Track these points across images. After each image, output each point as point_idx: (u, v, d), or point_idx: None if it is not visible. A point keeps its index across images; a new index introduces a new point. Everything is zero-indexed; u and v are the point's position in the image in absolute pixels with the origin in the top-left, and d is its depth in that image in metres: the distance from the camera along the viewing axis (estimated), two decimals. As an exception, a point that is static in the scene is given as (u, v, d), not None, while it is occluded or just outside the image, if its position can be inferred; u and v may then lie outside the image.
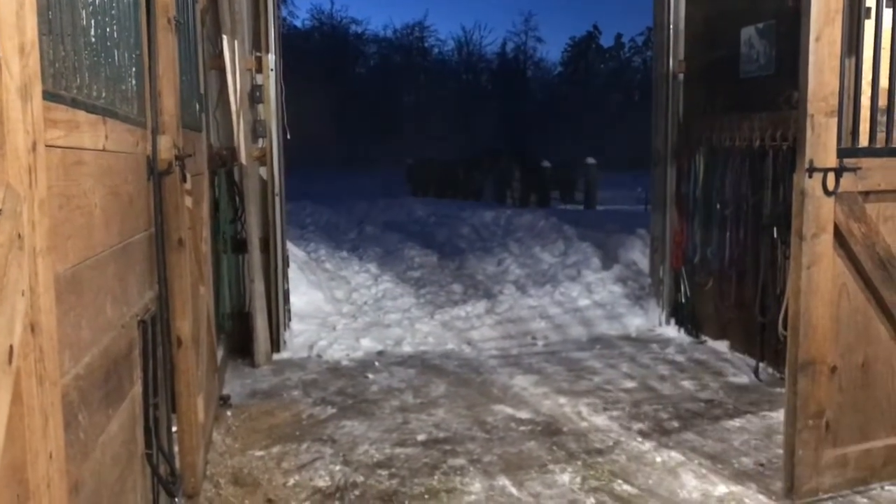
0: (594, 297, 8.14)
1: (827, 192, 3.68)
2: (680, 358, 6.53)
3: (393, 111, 52.24)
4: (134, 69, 3.10)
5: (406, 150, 36.92)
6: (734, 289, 6.48)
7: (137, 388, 2.79)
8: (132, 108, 3.00)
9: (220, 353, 6.06)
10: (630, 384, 5.85)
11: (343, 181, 29.96)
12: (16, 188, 1.44)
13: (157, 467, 2.98)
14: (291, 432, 4.96)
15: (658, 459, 4.44)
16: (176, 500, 3.37)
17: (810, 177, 3.65)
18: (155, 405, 3.05)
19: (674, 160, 7.25)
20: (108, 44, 2.64)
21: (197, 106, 4.53)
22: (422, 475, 4.28)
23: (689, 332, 7.18)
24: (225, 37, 6.40)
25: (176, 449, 3.60)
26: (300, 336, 6.86)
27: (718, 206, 6.54)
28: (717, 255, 6.62)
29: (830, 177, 3.67)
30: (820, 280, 3.72)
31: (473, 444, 4.71)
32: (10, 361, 1.37)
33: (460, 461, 4.46)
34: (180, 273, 3.53)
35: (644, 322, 7.55)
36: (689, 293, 7.21)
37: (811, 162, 3.64)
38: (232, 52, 6.43)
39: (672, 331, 7.31)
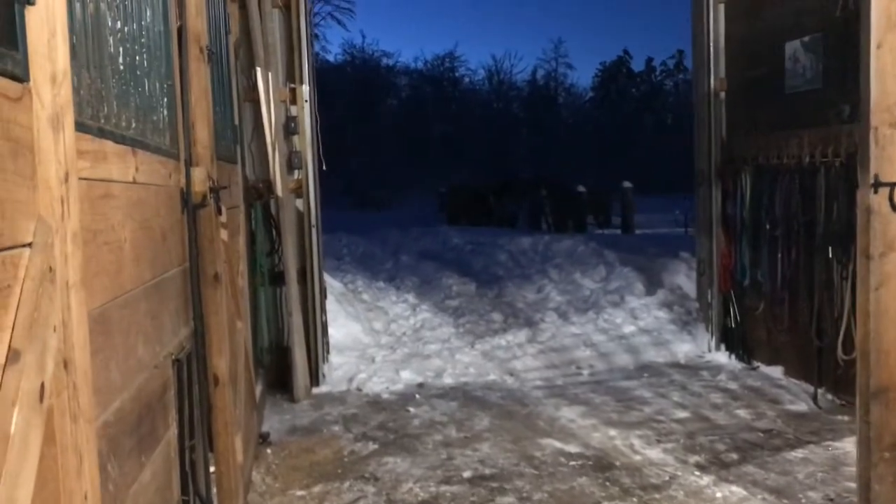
0: (639, 324, 7.90)
1: (895, 208, 3.46)
2: (733, 385, 6.27)
3: (425, 141, 52.43)
4: (166, 99, 3.01)
5: (439, 179, 36.98)
6: (788, 312, 6.22)
7: (173, 431, 2.66)
8: (164, 138, 2.91)
9: (258, 389, 5.94)
10: (683, 414, 5.60)
11: (377, 212, 30.07)
12: (47, 220, 1.39)
13: (195, 514, 2.84)
14: (333, 470, 4.80)
15: (718, 495, 4.20)
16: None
17: (876, 192, 3.43)
18: (191, 447, 2.92)
19: (718, 180, 7.03)
20: (138, 73, 2.55)
21: (231, 137, 4.44)
22: (469, 515, 4.09)
23: (740, 358, 6.91)
24: (259, 69, 6.36)
25: (214, 491, 3.46)
26: (339, 369, 6.73)
27: (768, 227, 6.30)
28: (768, 277, 6.37)
29: (897, 192, 3.44)
30: (890, 301, 3.48)
31: (522, 481, 4.50)
32: (41, 400, 1.29)
33: (509, 499, 4.26)
34: (216, 309, 3.41)
35: (693, 348, 7.29)
36: (738, 317, 6.95)
37: (877, 177, 3.42)
38: (266, 83, 6.39)
39: (722, 357, 7.05)
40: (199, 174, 3.23)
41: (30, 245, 1.31)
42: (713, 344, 7.19)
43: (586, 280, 9.37)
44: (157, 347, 2.53)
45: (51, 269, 1.38)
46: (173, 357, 2.70)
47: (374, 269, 10.82)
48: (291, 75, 6.60)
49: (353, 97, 52.55)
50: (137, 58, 2.53)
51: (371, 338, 7.43)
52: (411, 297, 8.83)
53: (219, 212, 3.46)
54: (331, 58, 58.63)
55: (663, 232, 20.04)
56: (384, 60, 61.48)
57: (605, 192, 22.77)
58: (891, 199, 3.46)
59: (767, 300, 6.45)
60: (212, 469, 3.48)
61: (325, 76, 53.43)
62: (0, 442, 1.15)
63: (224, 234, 3.63)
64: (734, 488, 4.26)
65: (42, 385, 1.30)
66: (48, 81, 1.44)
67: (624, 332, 7.74)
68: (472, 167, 46.62)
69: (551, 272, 9.87)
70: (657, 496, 4.22)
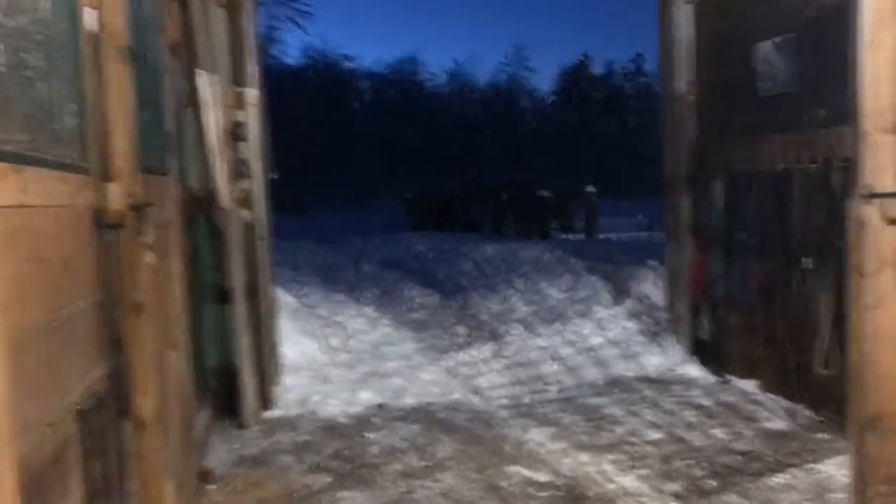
0: (607, 335, 7.61)
1: (888, 221, 3.17)
2: (706, 401, 5.99)
3: (390, 146, 52.01)
4: (74, 106, 2.61)
5: (405, 184, 36.58)
6: (763, 324, 5.97)
7: (76, 497, 2.26)
8: (69, 151, 2.50)
9: (202, 416, 5.51)
10: (656, 435, 5.30)
11: (343, 218, 29.61)
12: None
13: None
14: (282, 508, 4.41)
15: (700, 530, 3.89)
16: None
17: (869, 204, 3.15)
18: (104, 509, 2.52)
19: (689, 187, 6.77)
20: (28, 75, 2.15)
21: (163, 147, 4.03)
22: (430, 560, 3.73)
23: (713, 372, 6.64)
24: (201, 71, 5.94)
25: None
26: (292, 391, 6.32)
27: (741, 235, 6.04)
28: (741, 287, 6.11)
29: (891, 203, 3.16)
30: (886, 322, 3.19)
31: (488, 517, 4.15)
32: None
33: (474, 540, 3.91)
34: (140, 342, 3.00)
35: (663, 361, 7.02)
36: (711, 329, 6.69)
37: (870, 186, 3.14)
38: (209, 87, 5.97)
39: (694, 370, 6.77)
40: (116, 191, 2.82)
41: None
42: (684, 356, 6.92)
43: (552, 289, 9.06)
44: (54, 400, 2.13)
45: None
46: (77, 407, 2.29)
47: (334, 280, 10.42)
48: (238, 79, 6.18)
49: (315, 101, 51.95)
50: (25, 57, 2.13)
51: (327, 356, 7.02)
52: (371, 311, 8.44)
53: (142, 233, 3.06)
54: (291, 61, 58.03)
55: (627, 237, 19.88)
56: (345, 64, 60.98)
57: (569, 196, 22.55)
58: (884, 211, 3.17)
59: (741, 312, 6.19)
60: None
61: (285, 80, 52.92)
62: None
63: (150, 257, 3.22)
64: (716, 521, 3.96)
65: None
66: None
67: (592, 343, 7.44)
68: (438, 172, 46.36)
69: (516, 281, 9.55)
70: (634, 532, 3.90)
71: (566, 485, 4.52)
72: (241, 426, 5.84)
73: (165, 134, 4.11)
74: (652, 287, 8.37)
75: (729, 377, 6.50)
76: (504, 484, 4.58)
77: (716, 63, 6.55)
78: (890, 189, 3.17)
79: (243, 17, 6.16)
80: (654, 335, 7.46)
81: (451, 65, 71.79)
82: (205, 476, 4.66)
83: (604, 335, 7.64)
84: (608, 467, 4.75)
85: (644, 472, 4.66)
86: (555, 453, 5.03)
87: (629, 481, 4.53)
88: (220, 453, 5.34)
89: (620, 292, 8.53)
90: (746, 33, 6.09)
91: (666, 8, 6.84)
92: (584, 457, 4.94)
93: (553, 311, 8.44)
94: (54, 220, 2.26)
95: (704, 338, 6.76)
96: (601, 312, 8.12)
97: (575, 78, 63.84)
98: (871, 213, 3.16)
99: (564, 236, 20.59)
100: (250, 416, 5.90)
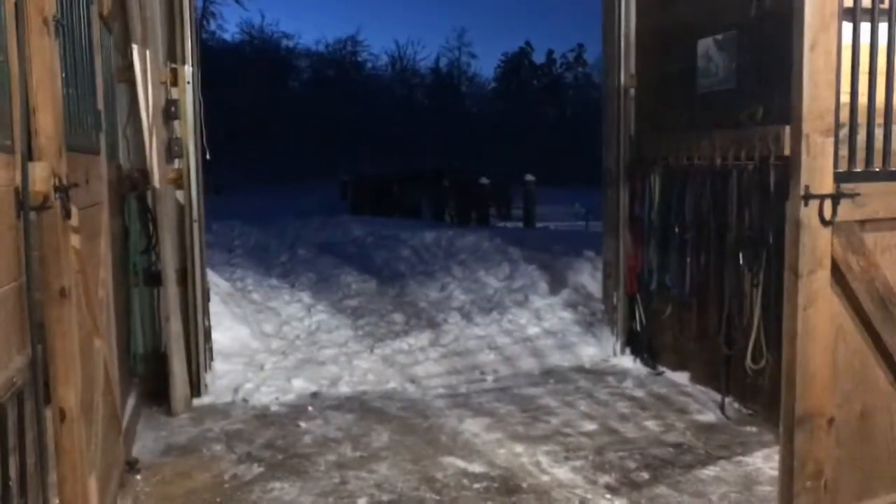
0: (544, 325, 7.64)
1: (824, 222, 3.23)
2: (639, 393, 6.07)
3: (328, 126, 51.36)
4: (-7, 79, 2.45)
5: (342, 166, 36.20)
6: (696, 318, 6.06)
7: (-9, 495, 2.13)
8: (-12, 128, 2.36)
9: (131, 402, 5.34)
10: (591, 426, 5.34)
11: (277, 199, 29.08)
12: None
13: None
14: (211, 499, 4.30)
15: (632, 522, 3.93)
16: None
17: (806, 205, 3.20)
18: (22, 506, 2.39)
19: (627, 180, 6.82)
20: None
21: (93, 124, 3.85)
22: (363, 553, 3.68)
23: (645, 363, 6.74)
24: (135, 46, 5.72)
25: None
26: (224, 378, 6.17)
27: (677, 230, 6.12)
28: (676, 281, 6.19)
29: (827, 204, 3.22)
30: (818, 322, 3.26)
31: (422, 509, 4.12)
32: None
33: (408, 532, 3.87)
34: (64, 330, 2.86)
35: (598, 351, 7.09)
36: (645, 321, 6.77)
37: (807, 188, 3.19)
38: (143, 63, 5.76)
39: (628, 361, 6.86)
40: (39, 171, 2.67)
41: None
42: (618, 347, 7.00)
43: (490, 278, 9.07)
44: (-32, 393, 2.01)
45: None
46: (-7, 401, 2.16)
47: (269, 264, 10.22)
48: (173, 55, 5.97)
49: (252, 79, 50.94)
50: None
51: (260, 342, 6.88)
52: (307, 297, 8.30)
53: (68, 214, 2.91)
54: (227, 37, 56.81)
55: (564, 226, 20.07)
56: (284, 42, 59.99)
57: (507, 183, 22.65)
58: (820, 212, 3.23)
59: (675, 305, 6.28)
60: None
61: (222, 56, 51.73)
62: None
63: (76, 240, 3.07)
64: (647, 514, 4.00)
65: None
66: None
67: (528, 333, 7.47)
68: (377, 155, 46.01)
69: (455, 269, 9.53)
70: (567, 525, 3.92)
71: (501, 476, 4.52)
72: (170, 413, 5.69)
73: (96, 111, 3.92)
74: (589, 278, 8.44)
75: (661, 368, 6.60)
76: (439, 475, 4.55)
77: (657, 57, 6.60)
78: (826, 190, 3.23)
79: (180, -9, 5.94)
80: (589, 326, 7.53)
81: (392, 47, 71.23)
82: (131, 466, 4.51)
83: (540, 325, 7.67)
84: (543, 458, 4.77)
85: (578, 463, 4.69)
86: (490, 444, 5.03)
87: (563, 473, 4.56)
88: (148, 441, 5.20)
89: (557, 282, 8.58)
90: (689, 28, 6.14)
91: (610, 0, 6.85)
92: (518, 448, 4.95)
93: (490, 299, 8.45)
94: (-29, 202, 2.13)
95: (638, 330, 6.85)
96: (538, 302, 8.16)
97: (516, 65, 64.11)
98: (807, 215, 3.22)
99: (503, 224, 20.68)
100: (180, 402, 5.75)
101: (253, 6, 57.00)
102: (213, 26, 55.06)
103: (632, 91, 6.84)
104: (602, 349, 7.12)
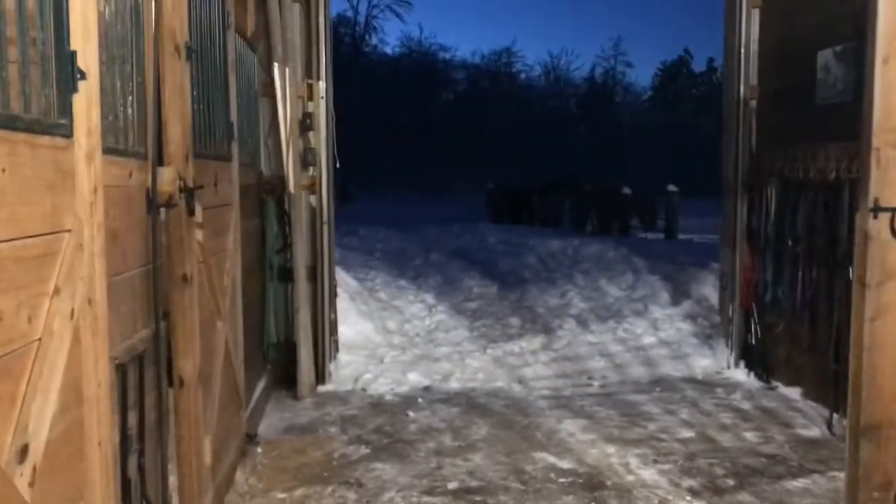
0: (660, 335, 7.69)
1: (895, 235, 3.25)
2: (746, 405, 6.04)
3: (480, 136, 52.25)
4: (132, 98, 2.98)
5: (491, 175, 36.75)
6: (807, 332, 5.96)
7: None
8: (124, 138, 2.87)
9: (262, 385, 5.94)
10: (687, 433, 5.41)
11: (427, 207, 30.04)
12: (80, 216, 2.16)
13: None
14: (320, 473, 4.76)
15: (705, 523, 4.03)
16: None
17: (875, 217, 3.24)
18: (140, 451, 2.89)
19: (744, 192, 6.79)
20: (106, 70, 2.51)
21: (225, 135, 4.41)
22: (444, 529, 4.00)
23: (759, 377, 6.66)
24: (276, 64, 6.34)
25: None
26: (347, 368, 6.69)
27: (790, 243, 6.05)
28: (788, 294, 6.12)
29: (899, 217, 3.24)
30: (887, 333, 3.28)
31: (506, 496, 4.39)
32: (71, 317, 2.10)
33: (488, 515, 4.16)
34: (184, 310, 3.38)
35: (712, 363, 7.07)
36: (759, 334, 6.70)
37: (876, 200, 3.23)
38: (283, 79, 6.37)
39: (741, 374, 6.81)
40: (167, 174, 3.19)
41: (68, 231, 2.10)
42: (732, 360, 6.95)
43: (612, 287, 9.17)
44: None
45: (80, 245, 2.15)
46: (117, 362, 2.65)
47: (402, 267, 10.77)
48: (309, 72, 6.57)
49: (410, 90, 52.72)
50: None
51: (383, 337, 7.37)
52: (430, 298, 8.75)
53: (192, 212, 3.42)
54: (388, 50, 58.97)
55: (710, 238, 19.54)
56: (441, 54, 61.52)
57: (652, 194, 22.31)
58: (892, 225, 3.26)
59: (787, 318, 6.20)
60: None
61: (382, 69, 53.80)
62: (51, 337, 1.97)
63: (200, 235, 3.59)
64: (724, 517, 4.09)
65: (72, 309, 2.10)
66: (86, 134, 2.20)
67: (643, 343, 7.54)
68: (526, 165, 46.35)
69: (577, 277, 9.69)
70: (641, 521, 4.07)
71: (587, 473, 4.71)
72: (296, 397, 6.26)
73: (228, 123, 4.49)
74: (712, 290, 8.38)
75: (775, 383, 6.51)
76: (528, 468, 4.80)
77: (778, 69, 6.55)
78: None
79: (318, 14, 6.54)
80: (707, 337, 7.51)
81: (546, 57, 71.30)
82: (251, 438, 5.06)
83: (657, 335, 7.72)
84: (632, 460, 4.91)
85: (666, 466, 4.80)
86: (583, 444, 5.22)
87: (649, 474, 4.69)
88: (274, 420, 5.76)
89: (680, 293, 8.57)
90: (808, 40, 6.07)
91: (732, 12, 6.85)
92: (610, 449, 5.11)
93: (609, 308, 8.56)
94: (117, 198, 2.65)
95: (753, 343, 6.78)
96: (657, 312, 8.20)
97: (674, 73, 62.54)
98: (877, 227, 3.25)
99: (644, 235, 20.42)
100: (305, 388, 6.30)
101: (412, 20, 58.88)
102: (374, 40, 57.47)
103: (752, 103, 6.80)
104: (717, 361, 7.09)
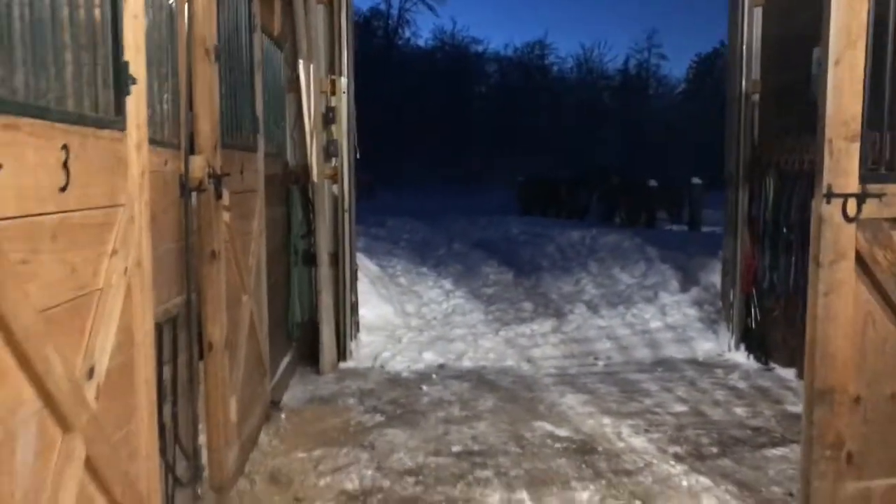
0: (667, 320, 8.04)
1: (847, 219, 3.60)
2: (742, 384, 6.38)
3: (512, 129, 52.51)
4: (167, 95, 3.43)
5: (524, 167, 37.08)
6: (801, 315, 6.27)
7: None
8: (161, 131, 3.33)
9: (287, 360, 6.41)
10: (680, 408, 5.78)
11: (459, 199, 30.50)
12: (132, 194, 2.62)
13: (169, 459, 3.26)
14: (337, 437, 5.21)
15: (684, 483, 4.41)
16: (198, 490, 3.67)
17: (828, 202, 3.58)
18: (173, 402, 3.35)
19: (746, 182, 7.10)
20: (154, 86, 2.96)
21: (251, 128, 4.87)
22: (445, 484, 4.43)
23: (757, 359, 6.99)
24: (301, 61, 6.79)
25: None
26: (366, 347, 7.14)
27: (785, 230, 6.37)
28: (783, 279, 6.44)
29: (851, 203, 3.58)
30: (839, 308, 3.63)
31: (504, 458, 4.81)
32: (125, 274, 2.55)
33: (487, 473, 4.58)
34: (212, 282, 3.83)
35: (714, 347, 7.40)
36: (758, 318, 7.02)
37: (829, 187, 3.57)
38: (307, 75, 6.82)
39: (741, 356, 7.14)
40: (197, 162, 3.65)
41: (123, 205, 2.55)
42: (733, 343, 7.28)
43: (624, 275, 9.51)
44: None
45: (132, 217, 2.61)
46: (154, 321, 3.11)
47: (425, 255, 11.21)
48: (333, 67, 7.01)
49: (443, 83, 53.11)
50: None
51: (401, 320, 7.82)
52: (448, 284, 9.18)
53: (219, 196, 3.88)
54: (421, 43, 59.37)
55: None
56: (473, 47, 61.77)
57: (679, 187, 22.49)
58: (843, 209, 3.60)
59: (783, 302, 6.52)
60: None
61: (415, 62, 54.17)
62: (110, 288, 2.42)
63: (226, 217, 4.05)
64: (702, 479, 4.45)
65: (125, 268, 2.55)
66: (136, 128, 2.68)
67: (650, 327, 7.90)
68: (558, 156, 46.54)
69: (591, 265, 10.05)
70: (626, 480, 4.46)
71: (581, 440, 5.11)
72: (318, 372, 6.73)
73: (254, 117, 4.94)
74: (719, 277, 8.67)
75: (772, 365, 6.83)
76: (528, 435, 5.21)
77: (779, 65, 6.84)
78: (850, 190, 3.59)
79: (340, 13, 6.97)
80: (712, 322, 7.84)
81: (579, 50, 71.18)
82: (275, 405, 5.53)
83: (664, 320, 8.06)
84: (624, 430, 5.29)
85: (655, 436, 5.18)
86: (581, 415, 5.61)
87: (639, 442, 5.07)
88: (297, 392, 6.24)
89: (689, 281, 8.89)
90: (806, 37, 6.36)
91: (735, 8, 7.15)
92: (606, 420, 5.50)
93: (620, 295, 8.91)
94: (156, 181, 3.10)
95: (752, 326, 7.10)
96: (666, 299, 8.54)
97: (709, 66, 62.11)
98: (830, 212, 3.60)
99: (670, 227, 20.66)
100: (327, 364, 6.77)
101: (445, 13, 59.19)
102: (407, 33, 57.95)
103: (754, 97, 7.11)
104: (719, 344, 7.42)
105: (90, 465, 2.21)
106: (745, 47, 7.08)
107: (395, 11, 56.46)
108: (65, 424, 2.05)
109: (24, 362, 1.84)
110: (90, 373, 2.22)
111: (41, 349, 1.90)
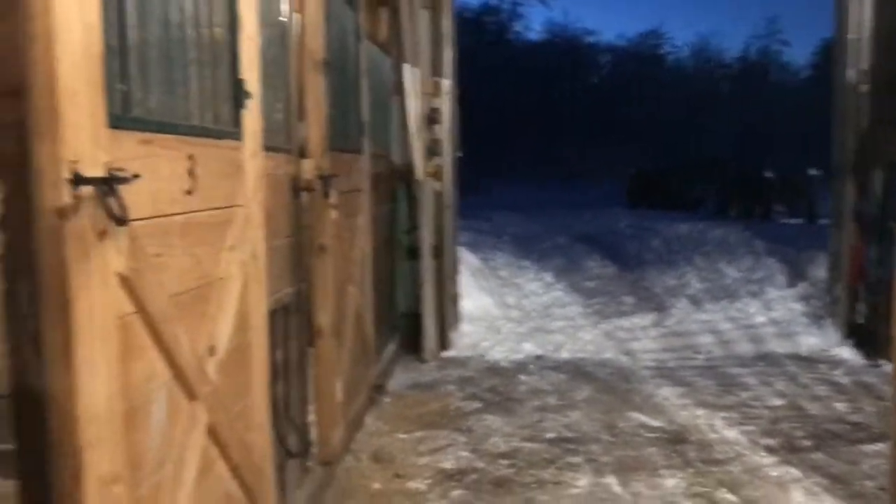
0: (772, 315, 7.95)
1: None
2: (845, 380, 6.30)
3: (626, 120, 51.68)
4: (280, 105, 3.80)
5: (636, 159, 36.48)
6: (909, 311, 6.13)
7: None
8: (275, 137, 3.69)
9: (391, 348, 6.79)
10: (778, 402, 5.78)
11: (568, 192, 30.45)
12: (248, 195, 2.93)
13: (282, 433, 3.63)
14: (437, 420, 5.52)
15: (773, 474, 4.47)
16: (308, 463, 4.04)
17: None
18: (285, 381, 3.73)
19: (854, 175, 6.96)
20: (268, 98, 3.33)
21: (358, 132, 5.22)
22: (537, 467, 4.65)
23: (865, 355, 6.85)
24: (406, 65, 7.13)
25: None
26: (467, 337, 7.43)
27: (894, 223, 6.23)
28: (892, 273, 6.29)
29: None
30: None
31: (596, 446, 4.98)
32: (242, 266, 2.86)
33: (577, 459, 4.77)
34: (321, 274, 4.19)
35: (819, 342, 7.29)
36: (866, 313, 6.88)
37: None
38: (412, 78, 7.15)
39: (847, 352, 7.00)
40: (307, 165, 4.01)
41: (240, 206, 2.85)
42: (839, 339, 7.15)
43: (730, 269, 9.42)
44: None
45: (248, 216, 2.91)
46: (268, 309, 3.48)
47: (528, 249, 11.41)
48: (436, 70, 7.32)
49: (555, 75, 52.83)
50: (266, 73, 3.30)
51: (501, 311, 8.06)
52: (549, 277, 9.35)
53: (327, 195, 4.23)
54: (533, 36, 59.17)
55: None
56: (586, 38, 61.07)
57: (798, 178, 21.67)
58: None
59: (890, 297, 6.37)
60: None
61: (527, 55, 54.11)
62: (229, 278, 2.74)
63: (334, 214, 4.40)
64: (792, 470, 4.50)
65: (243, 260, 2.86)
66: (251, 138, 2.98)
67: (754, 321, 7.84)
68: (672, 148, 45.52)
69: (697, 259, 9.99)
70: (714, 469, 4.56)
71: (674, 430, 5.22)
72: (421, 361, 7.07)
73: (360, 122, 5.30)
74: (827, 272, 8.50)
75: (881, 361, 6.68)
76: (621, 424, 5.37)
77: (888, 55, 6.67)
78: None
79: (443, 16, 7.27)
80: (818, 318, 7.71)
81: (694, 38, 69.22)
82: (379, 389, 5.89)
83: (768, 315, 7.98)
84: (718, 422, 5.37)
85: (749, 428, 5.23)
86: (676, 407, 5.71)
87: (731, 434, 5.14)
88: (401, 379, 6.59)
89: (797, 275, 8.74)
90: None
91: (842, -1, 7.01)
92: (700, 412, 5.57)
93: (726, 289, 8.85)
94: (269, 184, 3.46)
95: (860, 321, 6.96)
96: (772, 293, 8.43)
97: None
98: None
99: (787, 220, 19.98)
100: (429, 353, 7.10)
101: (557, 5, 58.82)
102: (519, 27, 57.92)
103: (863, 87, 6.95)
104: (825, 340, 7.31)
105: (212, 431, 2.57)
106: (855, 36, 6.92)
107: (507, 6, 56.53)
108: (190, 394, 2.41)
109: (158, 340, 2.20)
110: (211, 351, 2.57)
111: (172, 329, 2.25)
